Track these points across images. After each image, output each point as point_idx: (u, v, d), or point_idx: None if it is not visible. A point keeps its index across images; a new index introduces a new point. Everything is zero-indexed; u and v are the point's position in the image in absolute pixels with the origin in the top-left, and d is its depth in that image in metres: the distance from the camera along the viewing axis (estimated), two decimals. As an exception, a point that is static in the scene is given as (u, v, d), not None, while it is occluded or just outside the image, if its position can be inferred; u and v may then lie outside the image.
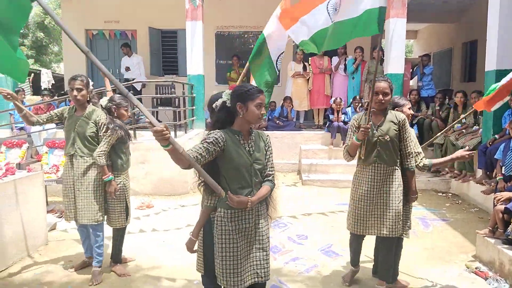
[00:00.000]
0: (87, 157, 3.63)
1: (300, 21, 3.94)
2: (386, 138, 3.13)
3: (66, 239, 4.69)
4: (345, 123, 7.97)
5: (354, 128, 3.25)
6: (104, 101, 3.81)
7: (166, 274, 3.81)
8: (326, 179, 7.18)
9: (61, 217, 5.49)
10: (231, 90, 2.36)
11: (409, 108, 3.50)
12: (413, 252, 4.25)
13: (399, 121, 3.17)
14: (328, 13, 3.71)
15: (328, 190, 6.90)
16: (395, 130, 3.15)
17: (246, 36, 10.97)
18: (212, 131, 2.30)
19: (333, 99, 8.42)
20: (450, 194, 6.72)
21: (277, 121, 8.75)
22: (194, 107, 8.21)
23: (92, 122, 3.64)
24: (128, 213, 3.87)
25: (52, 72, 16.57)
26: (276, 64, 4.52)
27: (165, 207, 5.97)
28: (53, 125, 7.79)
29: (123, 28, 10.91)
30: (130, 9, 10.56)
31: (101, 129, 3.66)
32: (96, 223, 3.66)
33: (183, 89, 8.01)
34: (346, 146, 3.26)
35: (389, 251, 3.28)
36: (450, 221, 5.36)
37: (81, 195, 3.62)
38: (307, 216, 5.50)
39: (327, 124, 8.40)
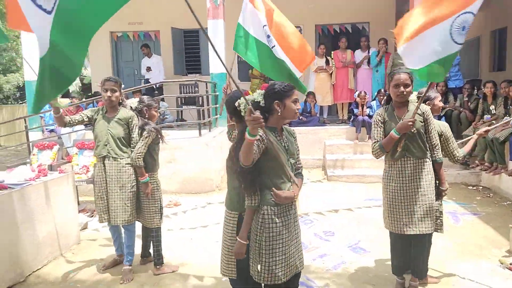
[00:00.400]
0: (120, 158, 3.65)
1: (416, 40, 2.84)
2: (413, 130, 3.04)
3: (97, 238, 4.82)
4: (370, 116, 7.85)
5: (380, 124, 3.16)
6: (133, 102, 3.86)
7: (194, 272, 3.86)
8: (352, 174, 7.11)
9: (92, 216, 5.65)
10: (263, 90, 2.39)
11: (440, 101, 3.45)
12: (444, 247, 4.16)
13: (423, 113, 3.10)
14: (451, 35, 2.74)
15: (354, 185, 6.84)
16: (421, 122, 3.08)
17: (267, 32, 10.93)
18: None
19: (357, 92, 8.31)
20: (481, 187, 6.54)
21: (301, 117, 8.71)
22: (217, 105, 8.26)
23: (125, 123, 3.69)
24: (162, 213, 3.93)
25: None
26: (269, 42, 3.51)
27: (192, 205, 6.05)
28: (82, 126, 7.99)
29: (147, 29, 11.07)
30: (153, 10, 10.69)
31: (133, 130, 3.71)
32: (129, 224, 3.75)
33: (206, 87, 8.08)
34: (375, 142, 3.13)
35: (423, 247, 3.20)
36: (482, 215, 5.22)
37: (114, 196, 3.66)
38: (333, 212, 5.46)
39: (352, 119, 8.31)
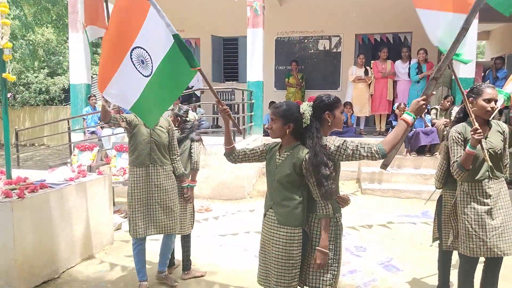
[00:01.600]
0: (166, 166, 3.61)
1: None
2: (497, 150, 2.87)
3: (130, 239, 4.89)
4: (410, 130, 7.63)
5: (461, 142, 2.91)
6: (192, 115, 3.93)
7: (221, 280, 3.86)
8: (388, 189, 6.92)
9: (126, 217, 5.78)
10: (311, 102, 2.44)
11: None
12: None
13: (504, 131, 2.94)
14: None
15: (389, 200, 6.65)
16: (502, 141, 2.92)
17: (306, 41, 10.92)
18: (331, 136, 2.43)
19: (396, 104, 8.10)
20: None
21: (337, 127, 8.57)
22: (252, 113, 8.29)
23: (166, 131, 3.66)
24: (194, 218, 3.98)
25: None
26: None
27: (223, 212, 6.08)
28: (122, 129, 8.24)
29: (188, 37, 11.29)
30: (195, 19, 10.91)
31: (173, 137, 3.70)
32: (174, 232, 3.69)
33: (243, 95, 8.13)
34: (455, 162, 2.88)
35: (498, 271, 2.98)
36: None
37: (164, 205, 3.56)
38: (366, 227, 5.32)
39: (390, 131, 8.09)
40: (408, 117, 2.22)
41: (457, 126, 2.98)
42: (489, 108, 2.83)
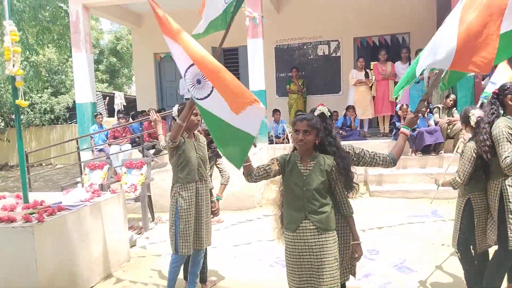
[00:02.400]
0: (207, 181, 3.68)
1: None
2: None
3: (146, 255, 5.00)
4: (413, 130, 7.70)
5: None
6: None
7: (241, 290, 3.94)
8: (396, 190, 6.98)
9: (140, 234, 5.87)
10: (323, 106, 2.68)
11: None
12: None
13: None
14: None
15: (398, 201, 6.70)
16: None
17: (305, 47, 11.02)
18: (347, 143, 2.80)
19: (398, 105, 8.18)
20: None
21: (340, 131, 8.66)
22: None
23: (204, 147, 3.72)
24: None
25: (124, 94, 17.75)
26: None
27: (234, 222, 6.15)
28: (129, 146, 8.36)
29: (187, 49, 11.44)
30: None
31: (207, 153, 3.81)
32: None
33: (246, 104, 8.24)
34: (506, 158, 2.89)
35: None
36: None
37: (204, 218, 3.61)
38: (377, 229, 5.39)
39: (394, 132, 8.17)
40: (405, 130, 2.68)
41: (504, 122, 3.01)
42: None
